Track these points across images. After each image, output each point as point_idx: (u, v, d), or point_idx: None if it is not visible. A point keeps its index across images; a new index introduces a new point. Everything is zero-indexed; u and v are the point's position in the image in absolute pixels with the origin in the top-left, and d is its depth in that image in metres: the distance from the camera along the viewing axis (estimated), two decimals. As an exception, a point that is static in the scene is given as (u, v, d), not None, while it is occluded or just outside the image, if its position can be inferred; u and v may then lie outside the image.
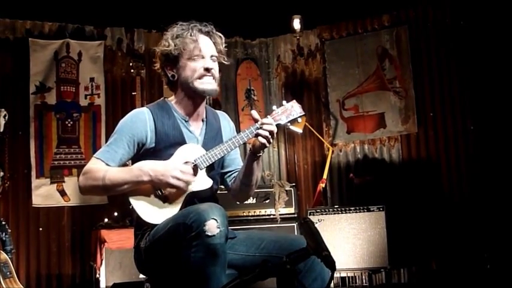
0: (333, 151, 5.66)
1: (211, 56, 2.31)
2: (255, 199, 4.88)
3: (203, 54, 2.28)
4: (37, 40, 5.31)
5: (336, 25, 5.92)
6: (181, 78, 2.31)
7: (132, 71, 5.41)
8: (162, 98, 2.42)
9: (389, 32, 5.68)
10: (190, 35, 2.28)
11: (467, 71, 5.25)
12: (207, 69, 2.28)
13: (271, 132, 2.19)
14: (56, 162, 5.31)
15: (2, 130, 4.47)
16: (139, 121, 2.28)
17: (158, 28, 5.69)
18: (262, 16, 5.59)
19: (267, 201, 4.91)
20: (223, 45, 2.37)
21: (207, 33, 2.32)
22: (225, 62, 2.39)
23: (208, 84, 2.29)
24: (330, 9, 5.56)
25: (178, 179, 2.15)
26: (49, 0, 5.02)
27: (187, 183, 2.18)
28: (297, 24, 5.71)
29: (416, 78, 5.53)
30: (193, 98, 2.33)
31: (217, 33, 2.36)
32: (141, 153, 2.28)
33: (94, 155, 2.27)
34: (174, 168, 2.16)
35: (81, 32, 5.54)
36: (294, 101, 2.30)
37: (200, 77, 2.27)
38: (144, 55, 5.66)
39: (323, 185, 5.24)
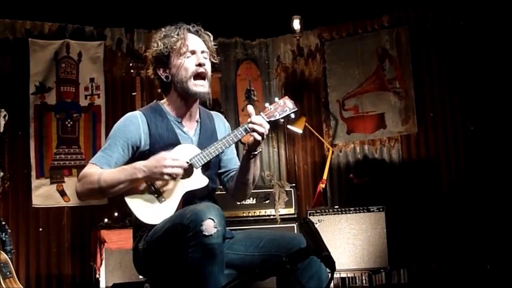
0: (332, 151, 5.66)
1: (202, 52, 2.32)
2: (254, 199, 4.88)
3: (193, 49, 2.29)
4: (37, 40, 5.31)
5: (336, 25, 5.92)
6: (174, 78, 2.31)
7: (132, 71, 5.41)
8: (154, 101, 2.42)
9: (389, 32, 5.68)
10: (178, 34, 2.28)
11: (467, 71, 5.25)
12: (200, 65, 2.28)
13: (261, 130, 2.19)
14: (55, 163, 5.31)
15: (2, 130, 4.46)
16: (133, 124, 2.29)
17: (158, 28, 5.68)
18: (262, 16, 5.59)
19: (267, 201, 4.91)
20: (212, 44, 2.38)
21: (196, 32, 2.34)
22: (214, 61, 2.38)
23: (201, 87, 2.29)
24: (330, 9, 5.56)
25: (171, 166, 2.15)
26: (49, 0, 5.01)
27: (182, 168, 2.17)
28: (296, 24, 5.71)
29: (416, 78, 5.53)
30: (186, 98, 2.32)
31: (206, 32, 2.37)
32: (136, 156, 2.29)
33: (89, 161, 2.28)
34: (164, 157, 2.16)
35: (81, 32, 5.54)
36: (287, 97, 2.31)
37: (194, 76, 2.28)
38: (144, 55, 5.64)
39: (323, 186, 5.24)
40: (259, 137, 2.19)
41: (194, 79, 2.28)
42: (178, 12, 5.03)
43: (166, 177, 2.16)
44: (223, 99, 6.10)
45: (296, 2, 5.40)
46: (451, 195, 5.24)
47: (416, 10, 5.57)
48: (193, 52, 2.29)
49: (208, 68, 2.32)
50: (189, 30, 2.33)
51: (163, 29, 2.35)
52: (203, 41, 2.34)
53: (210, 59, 2.36)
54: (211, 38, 2.38)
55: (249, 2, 5.27)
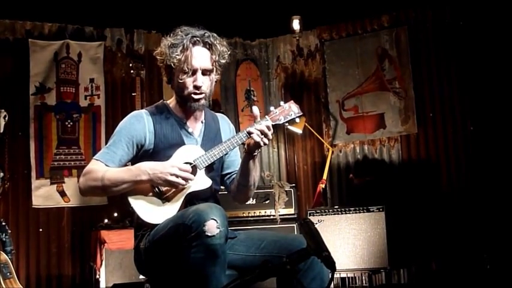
0: (332, 152, 5.66)
1: (203, 70, 2.28)
2: (255, 200, 4.89)
3: (195, 68, 2.26)
4: (37, 41, 5.31)
5: (336, 26, 5.92)
6: (174, 86, 2.34)
7: (131, 71, 5.41)
8: (160, 101, 2.44)
9: (389, 32, 5.69)
10: (183, 47, 2.24)
11: (466, 71, 5.26)
12: (196, 87, 2.27)
13: (267, 132, 2.20)
14: (55, 163, 5.30)
15: (2, 131, 4.46)
16: (138, 123, 2.30)
17: (158, 29, 5.69)
18: (261, 17, 5.59)
19: (267, 201, 4.92)
20: (225, 54, 2.32)
21: (205, 44, 2.28)
22: (215, 77, 2.34)
23: (197, 102, 2.30)
24: (330, 9, 5.57)
25: (176, 176, 2.17)
26: (49, 1, 5.01)
27: (186, 180, 2.19)
28: (296, 24, 5.71)
29: (416, 78, 5.54)
30: (184, 105, 2.34)
31: (217, 42, 2.30)
32: (140, 154, 2.30)
33: (94, 157, 2.29)
34: (172, 166, 2.18)
35: (81, 33, 5.53)
36: (292, 101, 2.33)
37: (189, 95, 2.28)
38: (144, 56, 5.66)
39: (323, 186, 5.24)
40: (261, 140, 2.19)
41: (189, 96, 2.29)
42: (178, 13, 5.03)
43: (169, 184, 2.19)
44: (222, 100, 6.10)
45: (296, 2, 5.40)
46: (451, 195, 5.24)
47: (416, 10, 5.57)
48: (194, 71, 2.27)
49: (206, 86, 2.30)
50: (197, 42, 2.26)
51: (174, 35, 2.29)
52: (210, 54, 2.29)
53: (214, 73, 2.32)
54: (224, 48, 2.32)
55: (248, 2, 5.27)
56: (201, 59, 2.27)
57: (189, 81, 2.27)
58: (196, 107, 2.31)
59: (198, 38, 2.27)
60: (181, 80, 2.28)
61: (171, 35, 2.31)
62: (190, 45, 2.26)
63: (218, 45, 2.30)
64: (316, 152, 5.97)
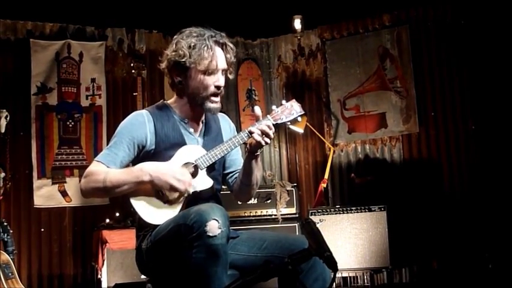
0: (334, 151, 5.66)
1: (223, 70, 2.29)
2: (256, 199, 4.89)
3: (218, 69, 2.27)
4: (38, 41, 5.31)
5: (337, 25, 5.92)
6: (189, 88, 2.30)
7: (133, 71, 5.41)
8: (161, 101, 2.43)
9: (390, 31, 5.68)
10: (207, 48, 2.23)
11: (468, 70, 5.25)
12: (218, 87, 2.28)
13: (268, 131, 2.20)
14: (57, 163, 5.31)
15: (3, 131, 4.47)
16: (139, 123, 2.29)
17: (159, 28, 5.70)
18: (263, 16, 5.59)
19: (269, 201, 4.91)
20: (234, 58, 2.34)
21: (221, 44, 2.29)
22: (229, 76, 2.37)
23: (215, 103, 2.30)
24: (331, 9, 5.56)
25: (178, 179, 2.16)
26: (50, 1, 5.02)
27: (186, 184, 2.19)
28: (297, 24, 5.71)
29: (418, 77, 5.53)
30: (196, 106, 2.33)
31: (230, 44, 2.32)
32: (142, 155, 2.29)
33: (95, 159, 2.28)
34: (173, 169, 2.18)
35: (82, 33, 5.53)
36: (294, 100, 2.32)
37: (210, 96, 2.27)
38: (145, 55, 5.66)
39: (324, 185, 5.23)
40: (262, 140, 2.19)
41: (209, 97, 2.29)
42: (179, 12, 5.03)
43: (170, 187, 2.18)
44: (224, 99, 6.05)
45: (297, 2, 5.40)
46: (452, 194, 5.24)
47: (417, 9, 5.57)
48: (216, 71, 2.27)
49: (223, 87, 2.31)
50: (217, 43, 2.27)
51: (190, 36, 2.26)
52: (225, 54, 2.30)
53: (226, 75, 2.34)
54: (234, 52, 2.34)
55: (250, 2, 5.27)
56: (221, 59, 2.28)
57: (210, 82, 2.26)
58: (214, 109, 2.31)
59: (215, 39, 2.27)
60: (202, 78, 2.26)
61: (184, 37, 2.27)
62: (213, 45, 2.26)
63: (230, 44, 2.32)
64: (317, 152, 5.97)
